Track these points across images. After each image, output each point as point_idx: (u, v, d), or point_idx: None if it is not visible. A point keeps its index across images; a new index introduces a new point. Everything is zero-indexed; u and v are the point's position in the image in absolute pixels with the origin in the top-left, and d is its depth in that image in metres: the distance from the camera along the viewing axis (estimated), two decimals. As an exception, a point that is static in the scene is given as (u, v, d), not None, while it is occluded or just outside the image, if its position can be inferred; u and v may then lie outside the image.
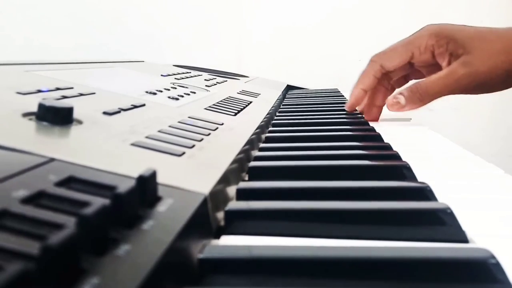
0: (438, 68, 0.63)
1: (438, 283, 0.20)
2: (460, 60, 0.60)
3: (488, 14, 1.47)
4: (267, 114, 0.61)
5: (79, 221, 0.16)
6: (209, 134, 0.39)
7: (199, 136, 0.37)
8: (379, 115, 0.69)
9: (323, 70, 1.49)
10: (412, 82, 0.69)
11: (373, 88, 0.67)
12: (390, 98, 0.63)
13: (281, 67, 1.50)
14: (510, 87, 0.63)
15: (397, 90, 0.67)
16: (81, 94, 0.42)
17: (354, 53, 1.48)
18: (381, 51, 0.66)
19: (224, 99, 0.64)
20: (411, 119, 0.71)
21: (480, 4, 1.48)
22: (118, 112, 0.38)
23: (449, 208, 0.26)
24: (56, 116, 0.30)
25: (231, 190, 0.31)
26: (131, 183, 0.19)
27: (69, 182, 0.21)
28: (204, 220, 0.24)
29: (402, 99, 0.62)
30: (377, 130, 0.53)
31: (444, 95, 0.62)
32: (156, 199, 0.22)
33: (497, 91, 0.64)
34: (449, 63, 0.61)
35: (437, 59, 0.63)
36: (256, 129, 0.49)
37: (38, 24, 1.49)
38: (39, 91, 0.39)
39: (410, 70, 0.68)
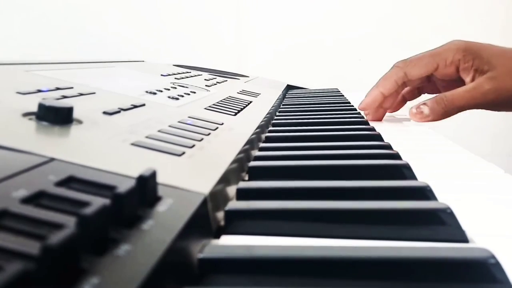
0: (457, 84, 0.64)
1: (438, 283, 0.20)
2: (486, 76, 0.61)
3: (488, 14, 1.47)
4: (267, 114, 0.61)
5: (79, 221, 0.16)
6: (209, 134, 0.39)
7: (199, 136, 0.37)
8: (383, 117, 0.69)
9: (323, 70, 1.49)
10: (424, 96, 0.70)
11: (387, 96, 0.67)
12: (413, 108, 0.64)
13: (281, 67, 1.50)
14: None
15: (419, 100, 0.67)
16: (81, 94, 0.42)
17: (354, 53, 1.48)
18: (406, 59, 0.66)
19: (224, 99, 0.64)
20: (411, 119, 0.71)
21: (480, 4, 1.48)
22: (118, 112, 0.38)
23: (449, 208, 0.26)
24: (56, 116, 0.30)
25: (231, 190, 0.31)
26: (131, 183, 0.19)
27: (69, 182, 0.21)
28: (204, 220, 0.24)
29: (426, 110, 0.62)
30: (377, 130, 0.53)
31: (469, 108, 0.63)
32: (156, 199, 0.22)
33: None
34: (473, 79, 0.62)
35: (461, 74, 0.64)
36: (256, 129, 0.49)
37: (38, 24, 1.49)
38: (39, 91, 0.39)
39: (426, 83, 0.69)
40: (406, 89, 0.70)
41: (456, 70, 0.64)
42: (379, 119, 0.69)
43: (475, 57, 0.62)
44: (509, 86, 0.61)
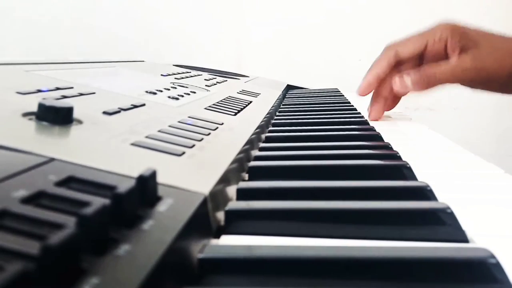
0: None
1: (438, 283, 0.20)
2: (470, 53, 0.63)
3: (488, 14, 1.47)
4: (267, 114, 0.61)
5: (79, 221, 0.16)
6: (209, 134, 0.39)
7: (199, 136, 0.37)
8: (383, 112, 0.69)
9: (323, 70, 1.49)
10: None
11: (382, 79, 0.68)
12: (397, 77, 0.65)
13: (281, 67, 1.50)
14: (510, 92, 0.67)
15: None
16: (81, 94, 0.42)
17: (354, 53, 1.48)
18: (396, 40, 0.68)
19: (224, 99, 0.64)
20: (411, 118, 0.71)
21: (480, 4, 1.48)
22: (118, 112, 0.38)
23: (449, 208, 0.26)
24: (56, 116, 0.30)
25: (231, 190, 0.31)
26: (131, 183, 0.19)
27: (69, 182, 0.21)
28: (204, 220, 0.24)
29: (408, 80, 0.64)
30: (377, 130, 0.53)
31: (450, 83, 0.64)
32: (156, 199, 0.22)
33: (498, 92, 0.67)
34: (458, 56, 0.64)
35: (448, 51, 0.65)
36: (256, 128, 0.49)
37: (38, 24, 1.49)
38: (39, 91, 0.39)
39: (419, 63, 0.69)
40: (403, 70, 0.70)
41: (445, 46, 0.65)
42: (380, 111, 0.69)
43: (461, 35, 0.64)
44: (489, 65, 0.62)
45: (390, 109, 0.73)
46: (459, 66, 0.63)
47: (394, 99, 0.72)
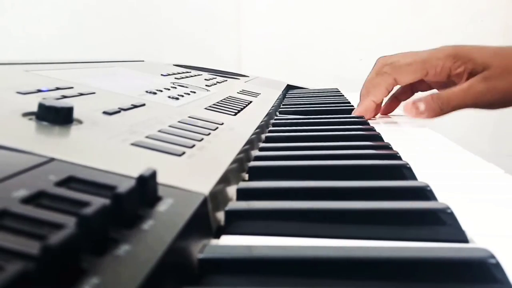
0: (451, 84, 0.64)
1: (438, 283, 0.20)
2: (480, 75, 0.61)
3: (488, 14, 1.46)
4: (267, 114, 0.61)
5: (79, 221, 0.16)
6: (209, 134, 0.39)
7: (199, 136, 0.37)
8: (377, 113, 0.70)
9: (323, 70, 1.49)
10: (418, 94, 0.70)
11: (378, 104, 0.68)
12: (409, 103, 0.64)
13: (281, 67, 1.50)
14: None
15: (416, 95, 0.68)
16: (81, 94, 0.42)
17: (355, 53, 1.48)
18: (394, 62, 0.66)
19: (224, 99, 0.64)
20: (411, 118, 0.71)
21: (480, 4, 1.48)
22: (118, 112, 0.38)
23: (449, 208, 0.26)
24: (56, 116, 0.30)
25: (231, 190, 0.31)
26: (131, 183, 0.19)
27: (69, 182, 0.21)
28: (204, 220, 0.24)
29: (422, 106, 0.62)
30: (377, 130, 0.53)
31: (464, 108, 0.63)
32: (156, 199, 0.22)
33: None
34: (468, 80, 0.62)
35: (454, 79, 0.64)
36: (256, 129, 0.49)
37: (38, 24, 1.49)
38: (39, 90, 0.39)
39: (418, 83, 0.69)
40: (399, 90, 0.71)
41: (447, 76, 0.64)
42: (373, 116, 0.69)
43: (466, 61, 0.62)
44: (502, 86, 0.61)
45: (390, 112, 0.73)
46: (472, 89, 0.61)
47: (394, 105, 0.72)
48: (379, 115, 0.71)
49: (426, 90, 0.71)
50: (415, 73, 0.65)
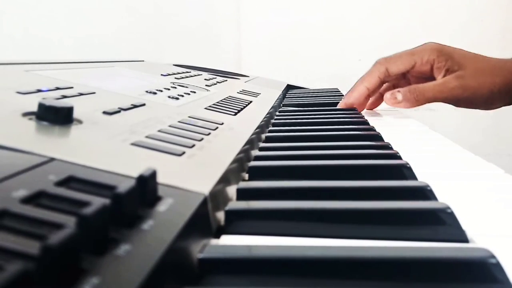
0: (430, 81, 0.72)
1: (438, 283, 0.20)
2: (455, 74, 0.70)
3: (488, 13, 1.46)
4: (267, 114, 0.61)
5: (79, 221, 0.16)
6: (209, 133, 0.39)
7: (199, 136, 0.37)
8: (367, 103, 0.77)
9: (323, 69, 1.49)
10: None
11: (371, 91, 0.75)
12: (388, 93, 0.71)
13: (281, 66, 1.50)
14: (491, 108, 0.75)
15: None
16: (81, 94, 0.42)
17: (354, 53, 1.48)
18: (386, 56, 0.74)
19: (224, 99, 0.64)
20: (411, 118, 0.72)
21: (480, 4, 1.48)
22: (118, 111, 0.38)
23: (449, 208, 0.26)
24: (56, 116, 0.30)
25: (231, 190, 0.31)
26: (131, 183, 0.19)
27: (69, 182, 0.21)
28: (204, 220, 0.24)
29: (399, 96, 0.70)
30: (377, 130, 0.53)
31: (437, 101, 0.71)
32: (156, 199, 0.22)
33: (481, 108, 0.75)
34: (443, 77, 0.71)
35: (434, 72, 0.72)
36: (256, 128, 0.49)
37: (38, 24, 1.49)
38: (39, 90, 0.39)
39: (402, 81, 0.77)
40: (384, 86, 0.78)
41: (431, 68, 0.72)
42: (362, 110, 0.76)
43: (447, 58, 0.70)
44: (472, 85, 0.69)
45: (375, 107, 0.80)
46: (446, 85, 0.69)
47: (379, 100, 0.79)
48: (376, 111, 0.77)
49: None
50: (404, 63, 0.72)
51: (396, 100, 0.70)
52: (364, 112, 0.75)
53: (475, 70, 0.70)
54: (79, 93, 0.42)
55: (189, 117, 0.44)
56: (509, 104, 0.75)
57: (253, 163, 0.38)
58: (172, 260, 0.18)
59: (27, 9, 1.49)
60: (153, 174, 0.21)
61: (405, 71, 0.73)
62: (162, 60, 1.19)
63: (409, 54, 0.73)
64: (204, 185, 0.26)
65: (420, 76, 0.74)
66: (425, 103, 0.70)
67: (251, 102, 0.69)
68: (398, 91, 0.70)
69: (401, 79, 0.77)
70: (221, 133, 0.41)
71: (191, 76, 0.85)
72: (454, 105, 0.74)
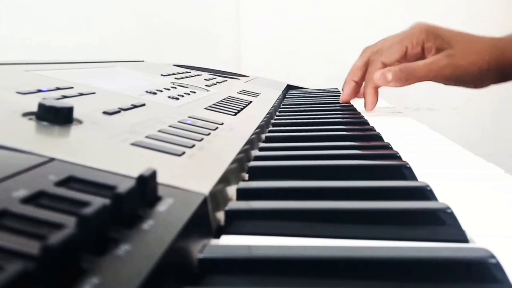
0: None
1: (438, 283, 0.20)
2: (444, 53, 0.69)
3: (488, 13, 1.46)
4: (267, 114, 0.61)
5: (79, 221, 0.16)
6: (209, 134, 0.39)
7: (199, 136, 0.37)
8: (354, 95, 0.79)
9: (323, 70, 1.49)
10: None
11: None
12: (378, 72, 0.71)
13: (281, 67, 1.50)
14: (481, 86, 0.74)
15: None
16: (81, 94, 0.42)
17: (354, 53, 1.48)
18: (377, 49, 0.75)
19: (224, 99, 0.64)
20: (411, 118, 0.71)
21: (479, 3, 1.48)
22: (118, 111, 0.38)
23: (449, 208, 0.26)
24: (56, 116, 0.30)
25: (231, 190, 0.31)
26: (131, 183, 0.19)
27: (69, 182, 0.21)
28: (204, 220, 0.24)
29: (389, 76, 0.70)
30: (377, 130, 0.53)
31: (427, 80, 0.70)
32: (156, 199, 0.22)
33: (470, 87, 0.74)
34: (435, 55, 0.70)
35: (425, 52, 0.72)
36: (256, 128, 0.49)
37: (38, 24, 1.49)
38: (39, 90, 0.39)
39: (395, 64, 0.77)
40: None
41: (422, 49, 0.72)
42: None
43: (436, 37, 0.70)
44: (462, 63, 0.69)
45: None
46: (435, 63, 0.69)
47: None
48: (374, 112, 0.76)
49: None
50: (397, 52, 0.72)
51: (386, 79, 0.70)
52: (364, 112, 0.75)
53: (465, 48, 0.70)
54: (79, 93, 0.42)
55: (189, 117, 0.44)
56: (498, 83, 0.75)
57: (253, 163, 0.38)
58: (172, 260, 0.18)
59: (28, 10, 1.49)
60: (153, 174, 0.21)
61: (399, 59, 0.73)
62: (162, 60, 1.19)
63: (399, 41, 0.73)
64: (204, 185, 0.26)
65: (414, 58, 0.73)
66: (415, 82, 0.70)
67: (251, 102, 0.69)
68: (389, 70, 0.70)
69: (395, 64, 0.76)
70: (221, 133, 0.41)
71: (191, 76, 0.85)
72: (444, 83, 0.73)
